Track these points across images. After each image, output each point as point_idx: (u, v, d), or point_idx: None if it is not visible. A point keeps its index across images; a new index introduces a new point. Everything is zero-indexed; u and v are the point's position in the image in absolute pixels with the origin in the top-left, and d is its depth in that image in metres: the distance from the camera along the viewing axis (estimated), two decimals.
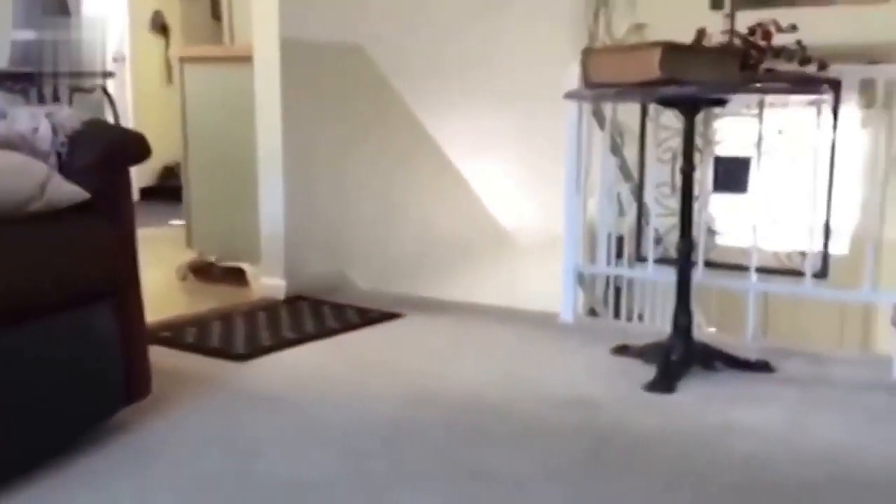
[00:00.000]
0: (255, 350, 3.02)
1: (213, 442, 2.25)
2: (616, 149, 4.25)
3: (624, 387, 2.68)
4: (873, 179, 3.59)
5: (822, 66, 2.81)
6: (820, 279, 3.23)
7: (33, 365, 1.98)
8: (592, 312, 4.71)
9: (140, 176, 7.22)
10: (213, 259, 4.30)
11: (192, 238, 4.35)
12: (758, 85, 2.77)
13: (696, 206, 2.91)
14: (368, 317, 3.48)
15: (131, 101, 7.54)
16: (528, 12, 5.03)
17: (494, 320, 3.59)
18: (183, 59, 4.34)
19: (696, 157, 2.86)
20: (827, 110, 3.14)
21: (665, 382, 2.66)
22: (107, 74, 5.46)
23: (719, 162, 4.21)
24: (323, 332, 3.26)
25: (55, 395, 2.03)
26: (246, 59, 3.81)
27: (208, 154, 4.24)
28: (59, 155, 2.20)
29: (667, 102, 2.94)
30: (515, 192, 5.01)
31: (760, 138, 3.23)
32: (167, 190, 6.79)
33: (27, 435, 1.96)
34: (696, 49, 2.68)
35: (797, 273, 3.36)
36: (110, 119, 5.34)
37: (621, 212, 4.16)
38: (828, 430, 2.37)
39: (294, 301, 3.72)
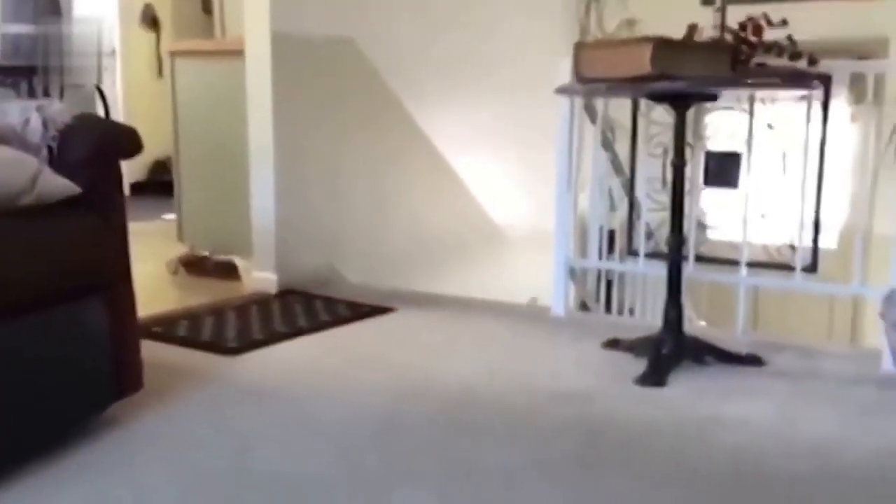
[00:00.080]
0: (246, 344, 3.02)
1: (205, 436, 2.26)
2: (607, 143, 4.26)
3: (615, 381, 2.69)
4: (862, 174, 3.62)
5: (813, 61, 2.82)
6: (809, 273, 3.25)
7: (24, 359, 1.97)
8: (584, 306, 4.72)
9: (131, 170, 7.19)
10: (204, 253, 4.29)
11: (183, 232, 4.34)
12: (749, 80, 2.78)
13: (686, 200, 2.92)
14: (360, 311, 3.48)
15: (122, 95, 7.51)
16: (519, 6, 5.03)
17: (486, 314, 3.59)
18: (174, 53, 4.33)
19: (687, 152, 2.86)
20: (817, 105, 3.15)
21: (656, 376, 2.67)
22: (101, 75, 5.44)
23: (710, 156, 4.23)
24: (315, 326, 3.26)
25: (46, 389, 2.03)
26: (237, 53, 3.80)
27: (200, 148, 4.23)
28: (49, 149, 2.19)
29: (658, 97, 2.94)
30: (507, 186, 5.02)
31: (751, 133, 3.24)
32: (158, 184, 6.77)
33: (18, 429, 1.96)
34: (688, 44, 2.69)
35: (787, 267, 3.38)
36: (101, 113, 5.32)
37: (613, 206, 4.18)
38: (818, 424, 2.39)
39: (286, 295, 3.72)
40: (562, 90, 2.99)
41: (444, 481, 2.01)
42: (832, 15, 5.04)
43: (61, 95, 4.98)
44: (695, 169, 3.45)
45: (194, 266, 4.28)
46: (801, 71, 2.80)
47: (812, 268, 3.26)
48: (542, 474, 2.05)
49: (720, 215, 4.56)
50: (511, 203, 5.05)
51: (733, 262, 3.33)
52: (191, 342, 3.04)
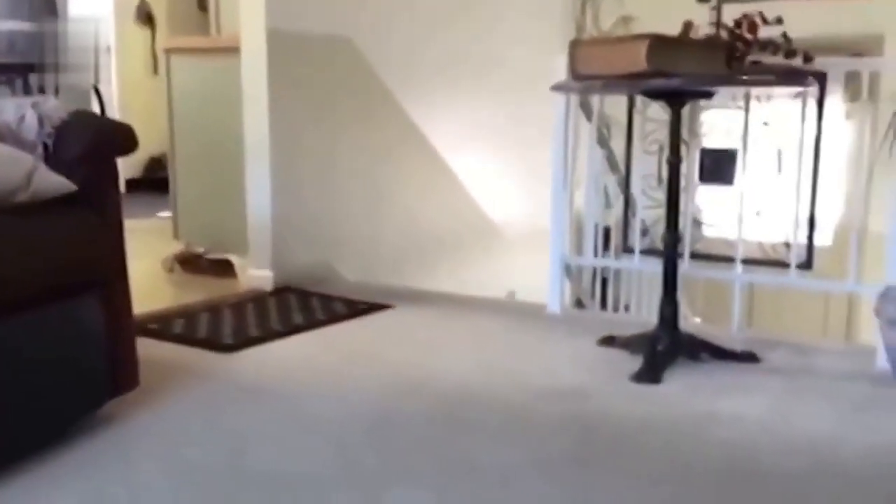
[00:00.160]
0: (242, 341, 3.02)
1: (200, 433, 2.26)
2: (603, 140, 4.27)
3: (610, 377, 2.70)
4: (857, 171, 3.62)
5: (808, 58, 2.82)
6: (804, 270, 3.26)
7: (20, 357, 1.97)
8: (579, 304, 4.73)
9: (126, 167, 7.18)
10: (200, 250, 4.29)
11: (179, 229, 4.33)
12: (744, 77, 2.78)
13: (682, 197, 2.92)
14: (356, 308, 3.48)
15: (117, 92, 7.50)
16: (515, 4, 5.03)
17: (482, 312, 3.60)
18: (169, 51, 4.32)
19: (683, 149, 2.87)
20: (812, 103, 3.16)
21: (651, 373, 2.68)
22: (98, 75, 5.42)
23: (705, 154, 4.23)
24: (311, 324, 3.26)
25: (42, 387, 2.03)
26: (233, 51, 3.79)
27: (195, 145, 4.23)
28: (45, 146, 2.19)
29: (653, 94, 2.95)
30: (502, 183, 5.02)
31: (746, 130, 3.24)
32: (154, 181, 6.76)
33: (13, 427, 1.96)
34: (683, 41, 2.69)
35: (782, 264, 3.38)
36: (96, 110, 5.31)
37: (608, 203, 4.17)
38: (812, 420, 2.40)
39: (282, 292, 3.72)
40: (558, 87, 2.99)
41: (440, 479, 2.01)
42: (827, 12, 5.05)
43: (56, 92, 4.97)
44: (690, 166, 3.45)
45: (190, 263, 4.27)
46: (797, 68, 2.80)
47: (807, 265, 3.27)
48: (538, 471, 2.05)
49: (715, 212, 4.57)
50: (507, 200, 5.06)
51: (728, 259, 3.34)
52: (186, 340, 3.04)
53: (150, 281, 4.00)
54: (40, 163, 2.12)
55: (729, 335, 3.12)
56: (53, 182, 2.10)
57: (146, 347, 2.51)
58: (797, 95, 3.19)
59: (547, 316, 3.47)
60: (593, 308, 4.74)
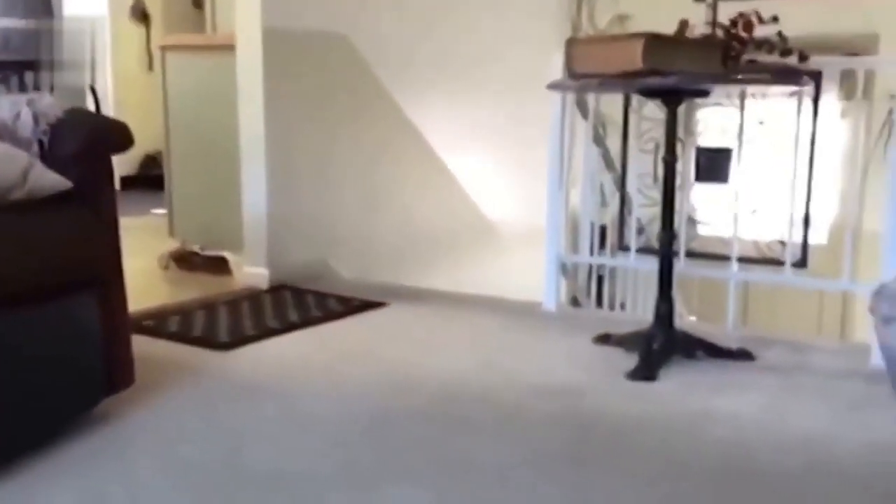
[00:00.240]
0: (238, 339, 3.02)
1: (196, 431, 2.26)
2: (599, 139, 4.27)
3: (606, 375, 2.70)
4: (852, 170, 3.63)
5: (803, 57, 2.83)
6: (799, 269, 3.26)
7: (15, 354, 1.97)
8: (575, 302, 4.73)
9: (122, 165, 7.16)
10: (195, 248, 4.28)
11: (174, 227, 4.33)
12: (739, 76, 2.79)
13: (678, 196, 2.93)
14: (352, 306, 3.48)
15: (112, 90, 7.49)
16: (511, 2, 5.03)
17: (478, 309, 3.60)
18: (164, 48, 4.32)
19: (679, 148, 2.87)
20: (807, 101, 3.17)
21: (647, 371, 2.68)
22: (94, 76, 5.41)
23: (701, 152, 4.24)
24: (306, 321, 3.26)
25: (37, 385, 2.02)
26: (228, 48, 3.79)
27: (190, 143, 4.22)
28: (40, 143, 2.19)
29: (649, 93, 2.95)
30: (498, 181, 5.02)
31: (742, 129, 3.25)
32: (149, 179, 6.75)
33: (9, 425, 1.95)
34: (679, 40, 2.69)
35: (777, 262, 3.39)
36: (91, 108, 5.30)
37: (604, 202, 4.18)
38: (807, 418, 2.40)
39: (277, 290, 3.72)
40: (554, 86, 2.99)
41: (436, 477, 2.02)
42: (822, 11, 5.06)
43: (51, 90, 4.96)
44: (686, 165, 3.46)
45: (185, 261, 4.27)
46: (792, 67, 2.81)
47: (802, 263, 3.28)
48: (535, 469, 2.05)
49: (711, 211, 4.57)
50: (502, 198, 5.06)
51: (724, 258, 3.34)
52: (182, 337, 3.04)
53: (145, 278, 4.00)
54: (36, 160, 2.11)
55: (724, 333, 3.13)
56: (49, 180, 2.10)
57: (141, 345, 2.51)
58: (793, 94, 3.20)
59: (543, 314, 3.48)
60: (589, 306, 4.74)
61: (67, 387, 2.12)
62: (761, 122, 4.39)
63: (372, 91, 4.22)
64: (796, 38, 2.80)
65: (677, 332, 2.87)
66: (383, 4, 4.22)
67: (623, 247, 3.74)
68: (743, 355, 2.87)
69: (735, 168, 3.41)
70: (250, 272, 3.82)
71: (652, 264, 2.99)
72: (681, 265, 3.25)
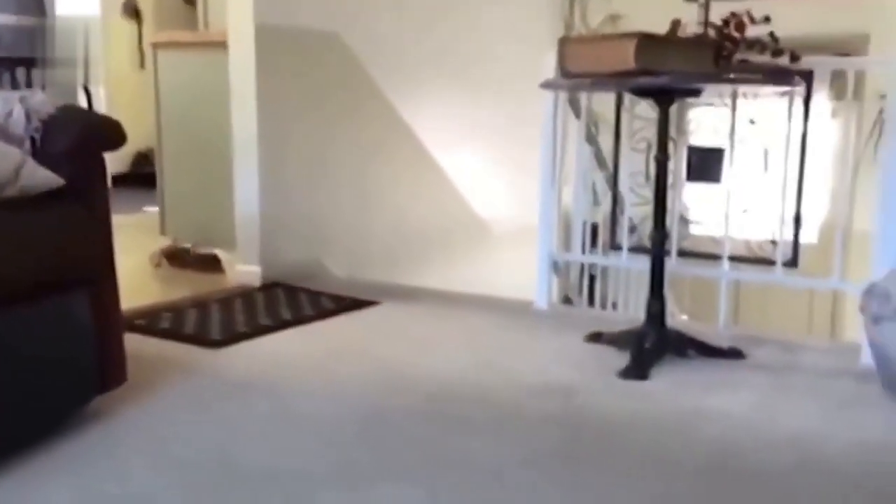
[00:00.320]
0: (230, 337, 3.02)
1: (188, 429, 2.25)
2: (591, 138, 4.28)
3: (598, 374, 2.71)
4: (843, 170, 3.65)
5: (795, 57, 2.84)
6: (790, 268, 3.28)
7: (8, 352, 1.96)
8: (567, 300, 4.75)
9: (113, 162, 7.13)
10: (187, 246, 4.28)
11: (166, 225, 4.32)
12: (731, 76, 2.80)
13: (669, 195, 2.94)
14: (344, 304, 3.48)
15: (103, 87, 7.46)
16: (504, 1, 5.03)
17: (470, 308, 3.60)
18: (156, 45, 4.31)
19: (671, 147, 2.88)
20: (799, 101, 3.18)
21: (638, 369, 2.69)
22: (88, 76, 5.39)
23: (693, 152, 4.25)
24: (299, 319, 3.26)
25: (30, 382, 2.02)
26: (220, 45, 3.78)
27: (183, 140, 4.21)
28: (32, 140, 2.18)
29: (642, 92, 2.96)
30: (491, 180, 5.03)
31: (733, 129, 3.26)
32: (141, 176, 6.73)
33: (1, 422, 1.95)
34: (671, 40, 2.70)
35: (768, 262, 3.40)
36: (83, 104, 5.28)
37: (596, 200, 4.19)
38: (797, 417, 2.41)
39: (270, 288, 3.72)
40: (546, 85, 3.00)
41: (429, 475, 2.02)
42: (814, 12, 5.08)
43: (43, 87, 4.94)
44: (678, 164, 3.47)
45: (177, 259, 4.26)
46: (783, 67, 2.82)
47: (793, 262, 3.29)
48: (528, 467, 2.06)
49: (703, 210, 4.59)
50: (495, 197, 5.07)
51: (715, 257, 3.35)
52: (174, 335, 3.03)
53: (137, 276, 3.99)
54: (28, 157, 2.11)
55: (715, 332, 3.14)
56: (41, 177, 2.10)
57: (133, 343, 2.51)
58: (784, 94, 3.21)
59: (535, 312, 3.49)
60: (581, 305, 4.75)
61: (60, 384, 2.12)
62: (753, 122, 4.41)
63: (365, 89, 4.22)
64: (788, 39, 2.81)
65: (669, 331, 2.88)
66: (376, 4, 4.22)
67: (615, 245, 3.74)
68: (734, 354, 2.88)
69: (727, 167, 3.42)
70: (243, 270, 3.82)
71: (644, 263, 3.00)
72: (672, 264, 3.26)
